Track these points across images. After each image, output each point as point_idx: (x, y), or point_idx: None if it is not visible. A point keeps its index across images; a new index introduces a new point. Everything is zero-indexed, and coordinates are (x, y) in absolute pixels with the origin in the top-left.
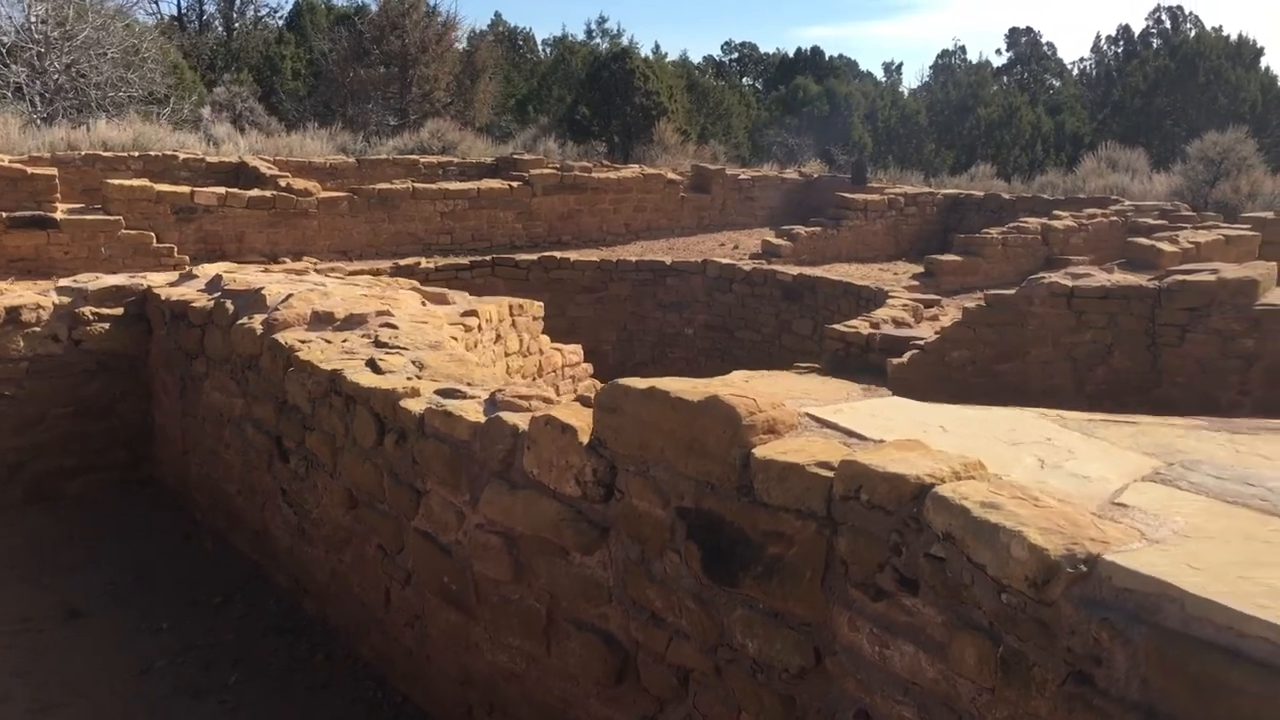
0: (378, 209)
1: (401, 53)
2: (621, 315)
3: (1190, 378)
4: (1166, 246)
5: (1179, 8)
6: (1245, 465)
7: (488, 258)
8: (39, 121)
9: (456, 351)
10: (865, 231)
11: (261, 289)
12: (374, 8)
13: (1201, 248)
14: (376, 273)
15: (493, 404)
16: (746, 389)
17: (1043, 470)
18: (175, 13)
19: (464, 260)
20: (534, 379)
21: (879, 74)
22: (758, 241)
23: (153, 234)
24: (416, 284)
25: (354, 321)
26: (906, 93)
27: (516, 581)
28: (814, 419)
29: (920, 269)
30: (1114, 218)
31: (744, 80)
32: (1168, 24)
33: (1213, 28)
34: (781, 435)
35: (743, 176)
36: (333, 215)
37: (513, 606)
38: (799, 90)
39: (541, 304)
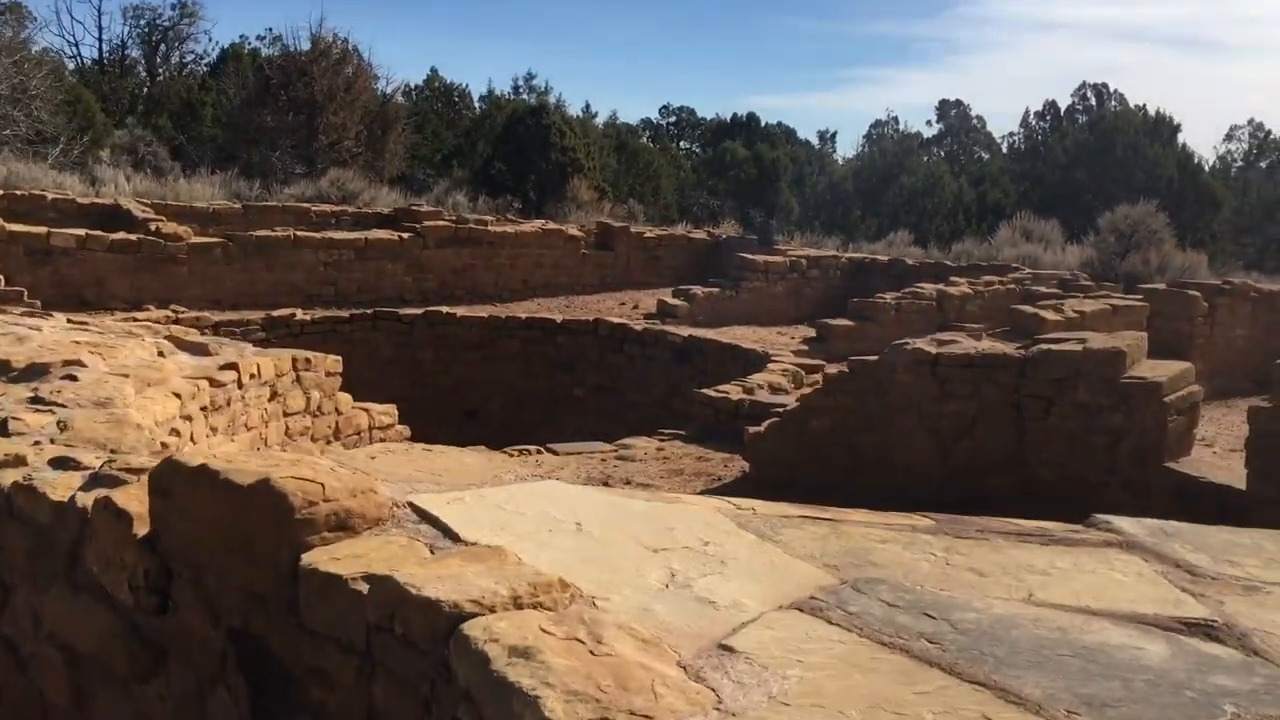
0: (255, 257)
1: (309, 100)
2: (510, 374)
3: (1056, 454)
4: (1049, 315)
5: (1104, 85)
6: (943, 586)
7: (369, 311)
8: None
9: (120, 412)
10: (765, 294)
11: None
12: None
13: (1086, 317)
14: (247, 324)
15: (94, 479)
16: (347, 469)
17: (666, 590)
18: (96, 56)
19: (344, 313)
20: (327, 443)
21: (816, 142)
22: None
23: (1, 276)
24: (181, 333)
25: (34, 372)
26: (841, 160)
27: (77, 712)
28: (416, 510)
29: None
30: (1012, 285)
31: (681, 144)
32: (1093, 101)
33: (1136, 105)
34: (358, 533)
35: (648, 235)
36: (205, 262)
37: None
38: (726, 154)
39: (339, 358)
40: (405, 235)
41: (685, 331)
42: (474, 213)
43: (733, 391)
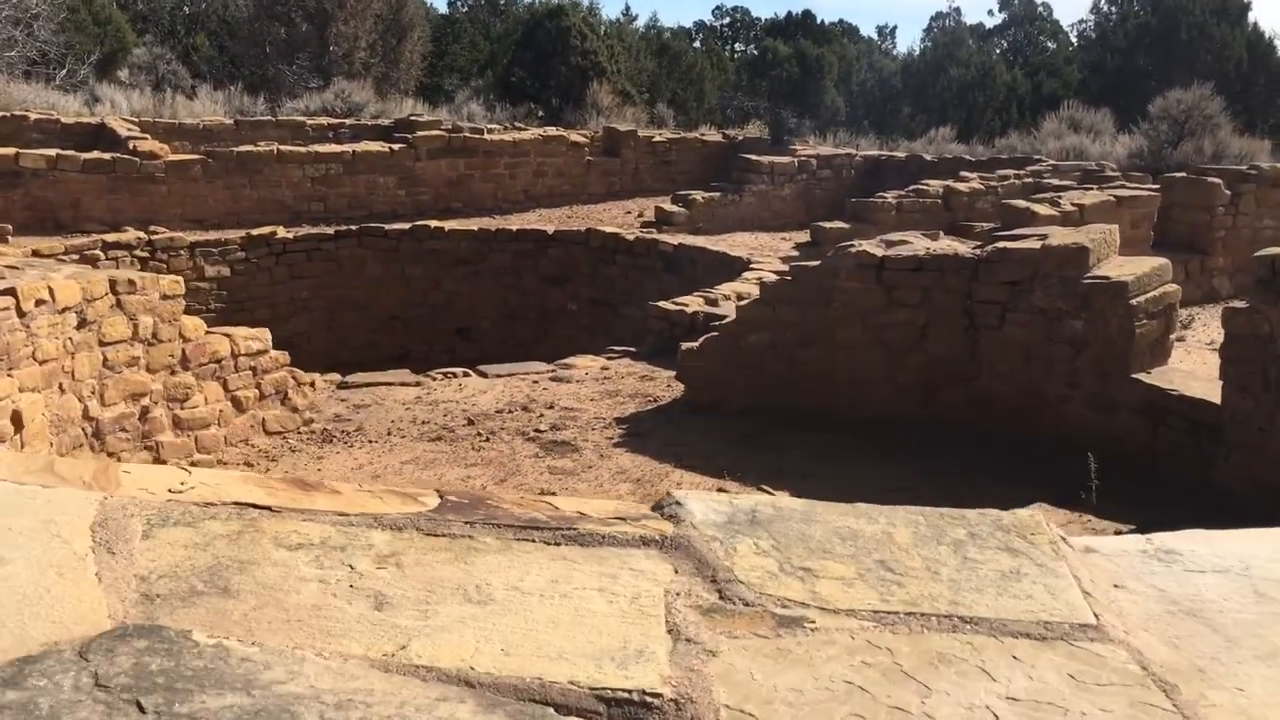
0: (237, 174)
1: (319, 9)
2: (501, 289)
3: (1013, 367)
4: (1043, 209)
5: None
6: (271, 634)
7: (354, 227)
8: None
9: None
10: (772, 197)
11: None
12: None
13: (1086, 210)
14: (226, 244)
15: None
16: None
17: None
18: None
19: (329, 230)
20: (170, 374)
21: (877, 39)
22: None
23: None
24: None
25: None
26: (900, 55)
27: None
28: None
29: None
30: (1028, 179)
31: (735, 46)
32: None
33: None
34: None
35: (658, 139)
36: (184, 180)
37: None
38: (768, 53)
39: (178, 279)
40: (396, 147)
41: (676, 240)
42: (492, 122)
43: (692, 303)
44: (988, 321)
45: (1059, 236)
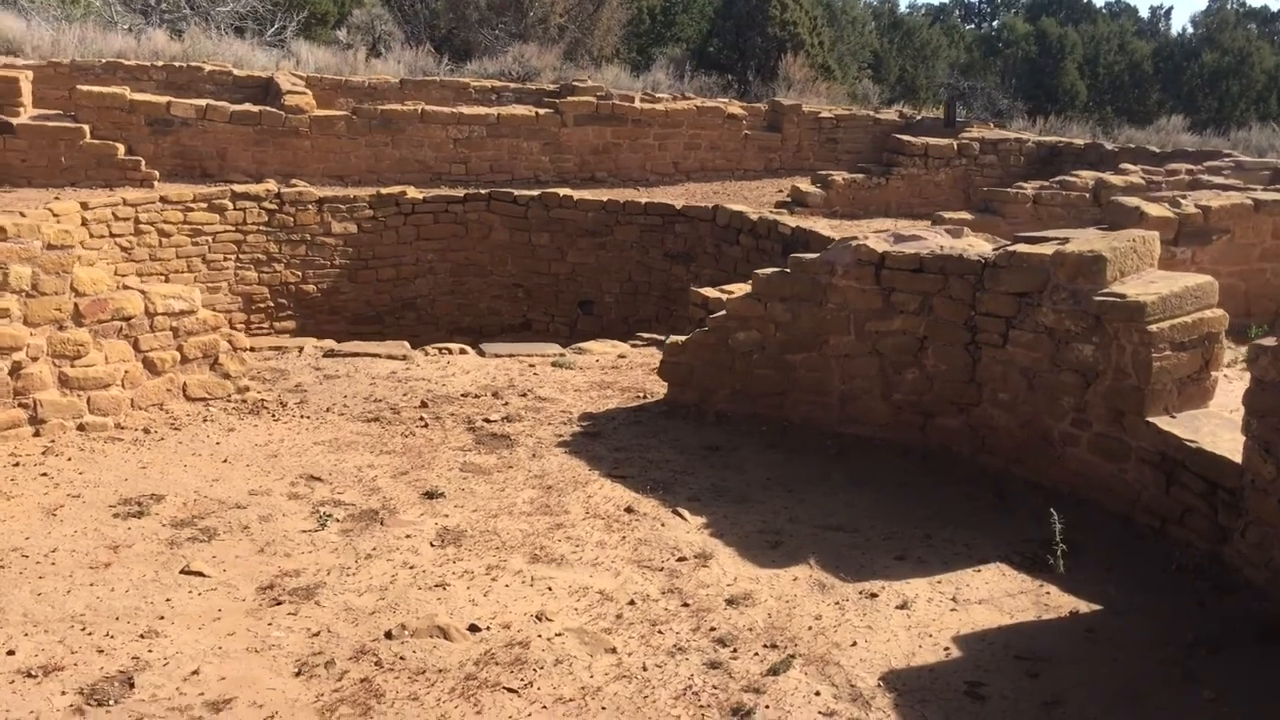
0: (379, 132)
1: None
2: (626, 264)
3: (1015, 394)
4: (1155, 210)
5: None
6: None
7: (484, 191)
8: (123, 29)
9: None
10: (924, 182)
11: None
12: None
13: (1211, 214)
14: (354, 200)
15: None
16: None
17: None
18: None
19: (458, 192)
20: (59, 328)
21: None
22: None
23: (120, 145)
24: None
25: None
26: (1176, 35)
27: None
28: None
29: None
30: (1202, 174)
31: (992, 23)
32: None
33: None
34: None
35: (824, 115)
36: (327, 136)
37: None
38: (1004, 30)
39: (67, 230)
40: (542, 112)
41: (794, 223)
42: (677, 92)
43: (738, 290)
44: (990, 338)
45: (1079, 243)
